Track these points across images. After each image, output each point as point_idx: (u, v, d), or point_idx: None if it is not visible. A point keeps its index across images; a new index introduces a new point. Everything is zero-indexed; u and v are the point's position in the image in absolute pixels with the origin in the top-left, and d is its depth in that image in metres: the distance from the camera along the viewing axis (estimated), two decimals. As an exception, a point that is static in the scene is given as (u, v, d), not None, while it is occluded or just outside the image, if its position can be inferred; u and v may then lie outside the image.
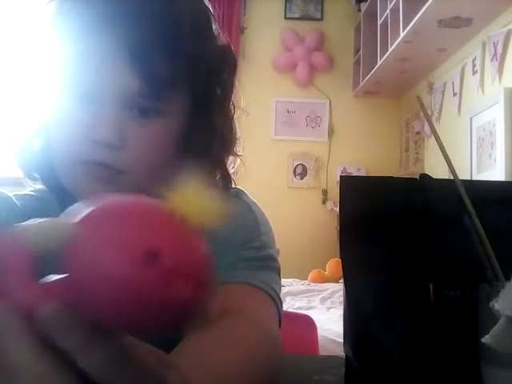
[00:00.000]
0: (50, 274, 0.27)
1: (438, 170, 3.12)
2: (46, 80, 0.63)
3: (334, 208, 4.00)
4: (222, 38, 0.69)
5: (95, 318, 0.25)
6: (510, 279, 0.45)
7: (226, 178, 0.69)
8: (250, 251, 0.67)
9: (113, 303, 0.23)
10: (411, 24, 2.79)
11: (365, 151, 4.20)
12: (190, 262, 0.24)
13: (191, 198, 0.25)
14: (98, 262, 0.23)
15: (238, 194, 0.74)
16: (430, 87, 3.51)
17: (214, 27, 0.67)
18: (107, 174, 0.59)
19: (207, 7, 0.67)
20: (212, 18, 0.67)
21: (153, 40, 0.57)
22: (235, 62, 0.69)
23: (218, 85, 0.67)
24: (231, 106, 0.70)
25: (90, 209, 0.25)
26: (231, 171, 0.71)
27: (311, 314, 1.98)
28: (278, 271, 0.70)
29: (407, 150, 3.91)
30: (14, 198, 0.68)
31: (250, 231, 0.69)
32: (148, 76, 0.58)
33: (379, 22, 3.43)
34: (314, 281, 3.40)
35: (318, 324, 1.75)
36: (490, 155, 2.74)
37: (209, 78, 0.64)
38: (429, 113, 3.35)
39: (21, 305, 0.26)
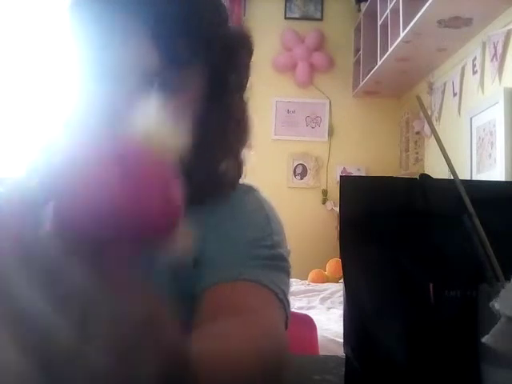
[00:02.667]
0: None
1: (437, 169, 3.12)
2: (66, 65, 0.64)
3: (334, 208, 4.00)
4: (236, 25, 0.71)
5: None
6: (510, 279, 0.45)
7: (239, 167, 0.69)
8: (260, 250, 0.66)
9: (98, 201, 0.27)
10: (411, 24, 2.79)
11: (365, 151, 4.19)
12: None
13: (153, 131, 0.29)
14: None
15: (250, 190, 0.73)
16: (430, 87, 3.51)
17: (228, 13, 0.69)
18: None
19: None
20: (226, 7, 0.69)
21: (174, 19, 0.59)
22: (251, 47, 0.71)
23: (234, 68, 0.69)
24: (245, 97, 0.71)
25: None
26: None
27: (311, 313, 1.98)
28: (287, 272, 0.69)
29: (407, 150, 3.90)
30: None
31: (261, 229, 0.68)
32: (168, 52, 0.59)
33: (379, 22, 3.43)
34: (314, 281, 3.41)
35: (317, 324, 1.75)
36: (490, 155, 2.74)
37: (226, 59, 0.66)
38: (429, 113, 3.35)
39: None
